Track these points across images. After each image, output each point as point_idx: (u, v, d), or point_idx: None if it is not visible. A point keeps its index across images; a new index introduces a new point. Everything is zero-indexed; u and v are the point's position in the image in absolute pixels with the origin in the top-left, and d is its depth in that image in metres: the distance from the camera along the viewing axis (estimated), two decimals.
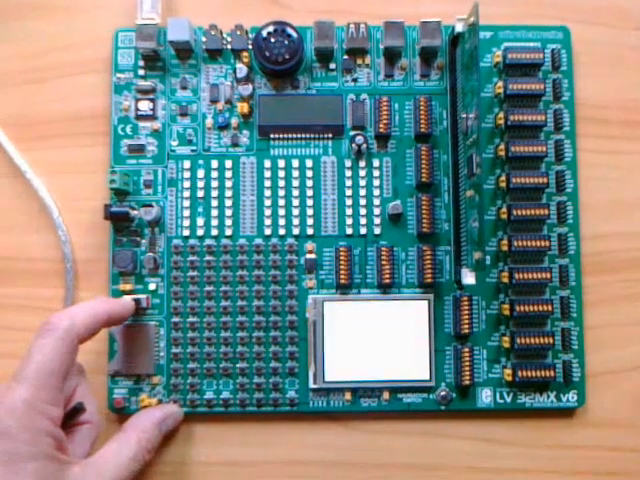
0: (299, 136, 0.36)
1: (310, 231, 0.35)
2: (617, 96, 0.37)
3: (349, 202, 0.35)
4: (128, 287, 0.35)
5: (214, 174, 0.36)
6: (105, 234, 0.36)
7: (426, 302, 0.34)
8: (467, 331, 0.34)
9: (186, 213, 0.35)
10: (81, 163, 0.36)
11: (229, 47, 0.36)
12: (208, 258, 0.35)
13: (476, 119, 0.31)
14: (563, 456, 0.35)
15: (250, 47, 0.36)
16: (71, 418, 0.31)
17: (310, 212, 0.35)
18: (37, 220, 0.36)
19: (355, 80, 0.36)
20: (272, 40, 0.35)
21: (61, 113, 0.37)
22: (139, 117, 0.36)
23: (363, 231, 0.35)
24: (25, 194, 0.36)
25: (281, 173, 0.36)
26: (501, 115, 0.35)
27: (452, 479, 0.35)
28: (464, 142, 0.34)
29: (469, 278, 0.33)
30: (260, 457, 0.35)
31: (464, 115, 0.33)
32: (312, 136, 0.36)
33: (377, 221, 0.35)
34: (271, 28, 0.35)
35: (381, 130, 0.35)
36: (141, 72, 0.36)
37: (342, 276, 0.35)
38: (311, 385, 0.34)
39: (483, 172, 0.32)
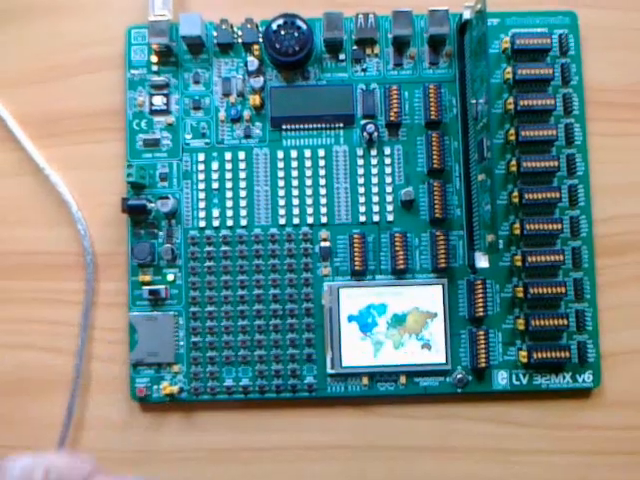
0: (311, 126, 0.36)
1: (324, 219, 0.36)
2: (626, 79, 0.37)
3: (362, 190, 0.36)
4: (147, 278, 0.36)
5: (228, 166, 0.36)
6: (123, 227, 0.36)
7: (440, 287, 0.35)
8: (482, 314, 0.35)
9: (202, 205, 0.36)
10: (98, 158, 0.37)
11: (240, 41, 0.36)
12: (224, 248, 0.36)
13: (486, 104, 0.32)
14: (579, 437, 0.35)
15: (261, 40, 0.36)
16: None
17: (323, 201, 0.36)
18: (56, 215, 0.37)
19: (365, 70, 0.36)
20: (282, 33, 0.35)
21: (77, 110, 0.37)
22: (153, 112, 0.37)
23: (376, 218, 0.36)
24: (44, 190, 0.37)
25: (294, 163, 0.36)
26: (510, 100, 0.35)
27: (469, 461, 0.35)
28: (474, 128, 0.34)
29: (482, 262, 0.34)
30: (279, 442, 0.36)
31: (474, 101, 0.34)
32: (323, 126, 0.36)
33: (390, 208, 0.36)
34: (281, 21, 0.35)
35: (392, 118, 0.36)
36: (154, 68, 0.37)
37: (356, 263, 0.35)
38: (329, 371, 0.35)
39: (493, 155, 0.32)
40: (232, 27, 0.36)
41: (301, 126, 0.36)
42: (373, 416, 0.36)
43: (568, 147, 0.36)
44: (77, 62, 0.38)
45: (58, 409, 0.35)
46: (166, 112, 0.37)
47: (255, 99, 0.36)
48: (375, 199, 0.36)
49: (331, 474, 0.35)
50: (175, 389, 0.35)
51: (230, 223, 0.36)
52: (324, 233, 0.36)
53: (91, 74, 0.37)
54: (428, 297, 0.35)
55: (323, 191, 0.36)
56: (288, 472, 0.35)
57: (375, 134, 0.36)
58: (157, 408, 0.36)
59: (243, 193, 0.36)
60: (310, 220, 0.36)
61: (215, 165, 0.36)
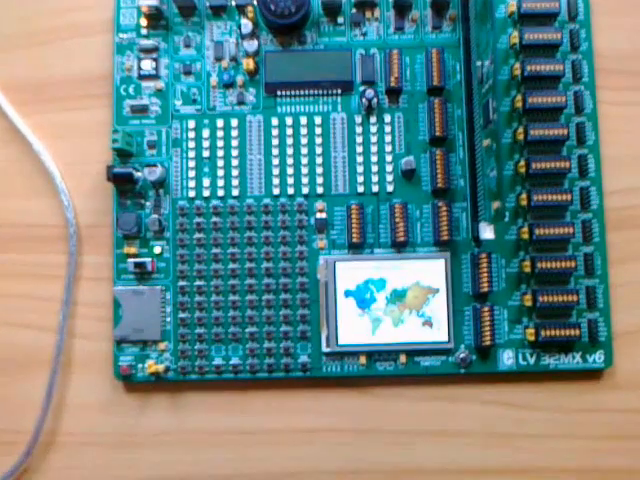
0: (307, 93, 0.34)
1: (320, 190, 0.34)
2: (638, 45, 0.35)
3: (360, 159, 0.34)
4: (132, 250, 0.34)
5: (220, 133, 0.34)
6: (109, 198, 0.35)
7: (443, 261, 0.33)
8: (486, 290, 0.33)
9: (191, 174, 0.34)
10: (83, 126, 0.35)
11: (233, 3, 0.35)
12: (215, 219, 0.34)
13: (492, 64, 0.30)
14: (590, 420, 0.33)
15: (255, 2, 0.34)
16: None
17: (320, 170, 0.34)
18: (39, 185, 0.35)
19: (364, 34, 0.35)
20: None
21: (63, 76, 0.36)
22: (142, 77, 0.35)
23: (375, 189, 0.34)
24: (26, 158, 0.35)
25: (289, 131, 0.34)
26: (517, 66, 0.33)
27: (473, 445, 0.33)
28: (479, 92, 0.33)
29: (488, 233, 0.32)
30: (271, 425, 0.34)
31: (479, 63, 0.32)
32: (320, 92, 0.34)
33: (389, 178, 0.34)
34: None
35: (392, 84, 0.34)
36: (144, 31, 0.35)
37: (354, 235, 0.33)
38: (324, 349, 0.33)
39: (500, 117, 0.30)
40: None
41: (297, 92, 0.34)
42: (371, 398, 0.34)
43: (577, 115, 0.34)
44: (64, 26, 0.36)
45: (37, 389, 0.34)
46: (155, 77, 0.35)
47: (249, 63, 0.34)
48: (374, 169, 0.34)
49: (326, 459, 0.33)
50: (161, 368, 0.33)
51: (221, 193, 0.34)
52: (320, 204, 0.34)
53: (78, 39, 0.36)
54: (430, 271, 0.33)
55: (319, 160, 0.34)
56: (280, 456, 0.33)
57: (374, 100, 0.34)
58: (142, 388, 0.34)
59: (235, 162, 0.34)
60: (305, 190, 0.34)
61: (206, 132, 0.34)
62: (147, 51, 0.35)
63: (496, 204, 0.30)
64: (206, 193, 0.34)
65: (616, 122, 0.35)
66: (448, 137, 0.34)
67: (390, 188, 0.34)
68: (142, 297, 0.34)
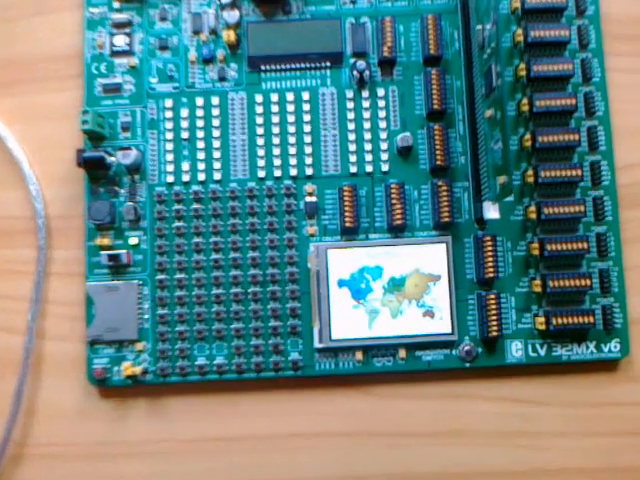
0: (293, 66, 0.32)
1: (309, 171, 0.32)
2: None
3: (352, 137, 0.32)
4: (106, 242, 0.31)
5: (199, 113, 0.32)
6: (80, 186, 0.32)
7: (444, 245, 0.31)
8: (492, 275, 0.30)
9: (169, 157, 0.32)
10: (52, 109, 0.33)
11: None
12: (195, 206, 0.31)
13: (493, 26, 0.27)
14: (606, 415, 0.31)
15: None
16: None
17: (309, 150, 0.32)
18: (5, 173, 0.33)
19: (354, 1, 0.33)
20: None
21: (29, 55, 0.33)
22: (114, 54, 0.32)
23: (369, 169, 0.32)
24: None
25: (274, 108, 0.32)
26: (520, 32, 0.31)
27: (480, 446, 0.31)
28: (480, 59, 0.30)
29: (492, 212, 0.29)
30: (261, 430, 0.31)
31: (479, 27, 0.30)
32: (308, 66, 0.32)
33: (384, 157, 0.32)
34: None
35: (385, 54, 0.32)
36: (116, 5, 0.33)
37: (347, 220, 0.31)
38: (316, 345, 0.31)
39: (504, 82, 0.28)
40: None
41: (282, 66, 0.32)
42: (369, 397, 0.31)
43: (585, 85, 0.32)
44: (30, 2, 0.34)
45: (4, 396, 0.31)
46: (129, 53, 0.32)
47: (229, 35, 0.32)
48: (367, 147, 0.32)
49: (321, 465, 0.31)
50: (138, 370, 0.31)
51: (202, 178, 0.32)
52: (310, 187, 0.32)
53: (44, 15, 0.34)
54: (430, 257, 0.31)
55: (308, 139, 0.32)
56: (271, 463, 0.31)
57: (367, 73, 0.32)
58: (118, 393, 0.31)
59: (217, 143, 0.32)
60: (293, 172, 0.32)
61: (185, 112, 0.32)
62: (120, 26, 0.33)
63: (502, 179, 0.27)
64: (186, 178, 0.32)
65: (627, 91, 0.32)
66: (447, 111, 0.32)
67: (385, 167, 0.32)
68: (117, 293, 0.31)
